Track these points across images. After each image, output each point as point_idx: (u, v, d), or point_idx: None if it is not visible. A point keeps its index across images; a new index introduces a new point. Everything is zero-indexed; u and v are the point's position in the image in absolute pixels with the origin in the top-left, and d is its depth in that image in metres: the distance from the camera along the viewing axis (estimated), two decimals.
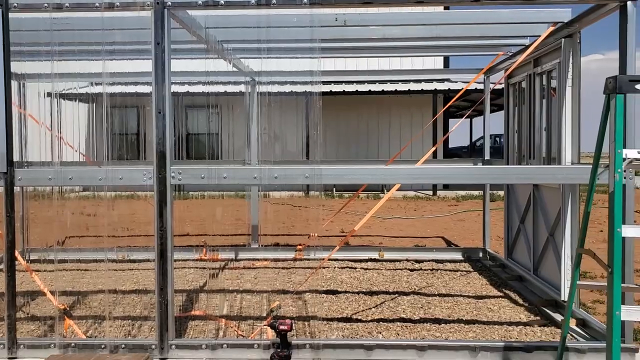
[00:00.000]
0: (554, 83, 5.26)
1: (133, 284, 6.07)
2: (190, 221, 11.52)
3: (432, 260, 7.31)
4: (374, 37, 5.61)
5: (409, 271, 6.69)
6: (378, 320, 4.77)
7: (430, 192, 17.89)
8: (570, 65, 4.84)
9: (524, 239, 6.17)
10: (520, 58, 5.53)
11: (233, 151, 19.09)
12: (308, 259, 7.36)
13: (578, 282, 3.16)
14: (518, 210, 6.36)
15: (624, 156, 2.63)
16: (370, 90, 17.63)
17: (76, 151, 6.76)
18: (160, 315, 3.74)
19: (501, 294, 5.68)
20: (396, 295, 5.60)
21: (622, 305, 2.62)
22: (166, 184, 3.74)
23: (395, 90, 17.70)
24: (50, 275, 6.44)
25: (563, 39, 4.88)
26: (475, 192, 17.02)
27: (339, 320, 4.80)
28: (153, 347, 3.74)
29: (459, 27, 5.59)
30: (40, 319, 4.80)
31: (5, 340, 3.77)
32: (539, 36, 5.17)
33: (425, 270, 6.77)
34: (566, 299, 4.69)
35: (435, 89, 17.80)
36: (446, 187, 19.11)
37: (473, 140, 28.56)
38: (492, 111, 13.60)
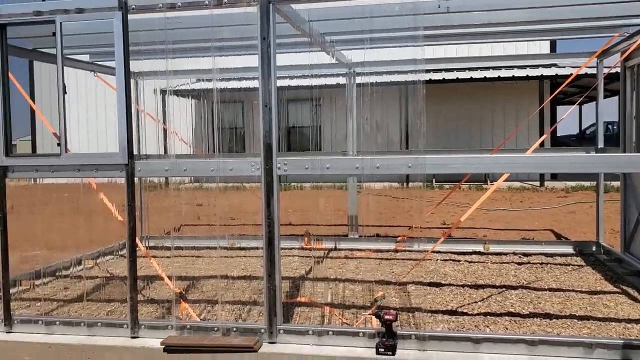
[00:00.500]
0: None
1: (241, 270, 6.33)
2: (293, 211, 11.80)
3: (541, 254, 6.98)
4: (479, 22, 5.42)
5: (516, 265, 6.45)
6: (485, 314, 4.65)
7: (537, 183, 17.09)
8: None
9: None
10: None
11: (332, 143, 19.29)
12: (409, 251, 7.29)
13: None
14: (637, 201, 5.93)
15: None
16: (471, 77, 17.08)
17: (187, 145, 7.13)
18: (269, 300, 3.87)
19: (618, 289, 5.33)
20: (503, 289, 5.42)
21: None
22: (272, 174, 3.85)
23: (499, 76, 17.03)
24: (166, 260, 6.87)
25: None
26: (586, 183, 16.04)
27: (444, 312, 4.72)
28: (262, 331, 3.88)
29: (568, 8, 5.24)
30: (157, 302, 5.14)
31: (128, 320, 4.06)
32: None
33: (534, 264, 6.49)
34: None
35: (542, 75, 16.95)
36: (554, 177, 18.18)
37: (583, 128, 26.93)
38: (604, 97, 12.79)
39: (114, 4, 3.92)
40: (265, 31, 3.79)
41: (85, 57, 6.84)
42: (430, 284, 5.59)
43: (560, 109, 24.17)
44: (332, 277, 5.94)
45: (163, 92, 14.08)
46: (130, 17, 3.96)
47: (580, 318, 4.49)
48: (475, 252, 7.18)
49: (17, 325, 4.22)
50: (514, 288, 5.44)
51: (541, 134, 17.43)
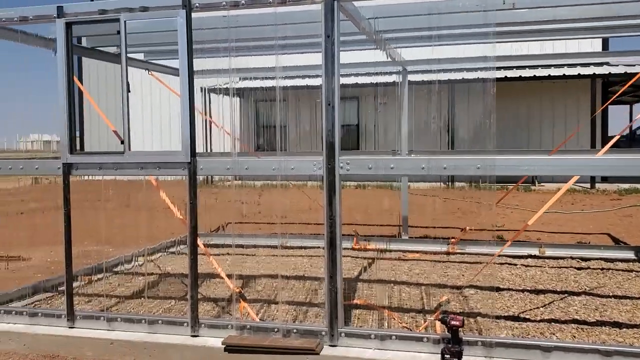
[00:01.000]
0: None
1: (292, 270, 6.29)
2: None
3: (600, 259, 6.72)
4: (532, 20, 5.20)
5: (575, 270, 6.23)
6: (549, 321, 4.48)
7: (588, 185, 16.56)
8: None
9: None
10: None
11: (378, 142, 19.12)
12: (462, 253, 7.13)
13: None
14: None
15: None
16: (520, 76, 16.65)
17: (241, 142, 7.12)
18: (330, 302, 3.81)
19: None
20: (565, 295, 5.23)
21: None
22: (335, 174, 3.79)
23: (549, 75, 16.56)
24: (216, 259, 6.88)
25: None
26: None
27: (506, 318, 4.58)
28: (323, 333, 3.82)
29: (624, 4, 4.97)
30: (212, 300, 5.14)
31: (189, 318, 4.06)
32: None
33: (594, 269, 6.25)
34: None
35: (594, 74, 16.39)
36: (605, 179, 17.59)
37: (633, 128, 26.04)
38: None
39: (177, 2, 3.92)
40: (329, 29, 3.73)
41: (139, 56, 6.91)
42: (488, 288, 5.44)
43: (611, 108, 23.41)
44: (386, 279, 5.85)
45: (209, 90, 14.23)
46: (193, 15, 3.96)
47: None
48: (530, 256, 6.96)
49: (79, 321, 4.28)
50: (576, 294, 5.24)
51: (593, 134, 16.92)
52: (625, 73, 15.99)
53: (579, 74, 16.46)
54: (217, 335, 3.98)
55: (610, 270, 6.17)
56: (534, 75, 16.65)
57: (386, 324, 4.40)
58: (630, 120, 26.21)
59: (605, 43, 17.93)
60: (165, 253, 7.43)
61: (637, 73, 13.59)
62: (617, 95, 6.61)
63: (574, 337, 4.14)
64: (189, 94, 3.95)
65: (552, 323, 4.43)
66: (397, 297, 5.19)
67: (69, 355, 4.02)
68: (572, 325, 4.38)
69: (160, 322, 4.13)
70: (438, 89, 16.21)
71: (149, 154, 4.17)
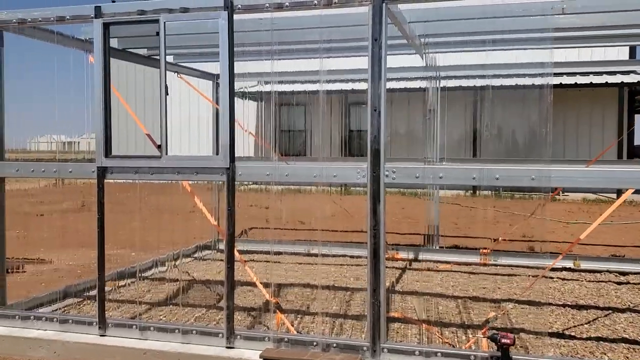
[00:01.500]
0: None
1: (322, 279, 6.14)
2: (361, 216, 11.55)
3: (638, 273, 6.50)
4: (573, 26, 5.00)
5: (615, 284, 6.01)
6: (597, 339, 4.29)
7: (614, 195, 16.23)
8: None
9: None
10: None
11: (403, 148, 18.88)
12: (495, 265, 6.93)
13: None
14: None
15: None
16: (547, 84, 16.36)
17: (269, 146, 7.00)
18: (373, 317, 3.65)
19: None
20: (609, 311, 5.03)
21: None
22: (380, 182, 3.64)
23: (575, 83, 16.26)
24: (256, 266, 6.75)
25: None
26: None
27: (550, 335, 4.39)
28: (365, 348, 3.66)
29: None
30: (245, 309, 5.00)
31: (224, 329, 3.92)
32: None
33: (635, 284, 6.03)
34: None
35: (622, 82, 16.08)
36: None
37: None
38: None
39: (219, 3, 3.80)
40: (377, 32, 3.59)
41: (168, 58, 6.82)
42: (528, 303, 5.24)
43: (637, 117, 23.01)
44: (420, 290, 5.68)
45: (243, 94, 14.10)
46: (235, 17, 3.84)
47: None
48: (565, 269, 6.75)
49: (111, 329, 4.16)
50: (621, 311, 5.04)
51: (620, 143, 16.59)
52: None
53: (606, 82, 16.15)
54: (254, 347, 3.84)
55: None
56: (560, 83, 16.36)
57: (425, 339, 4.23)
58: None
59: (632, 51, 17.62)
60: (191, 258, 7.32)
61: None
62: None
63: (627, 357, 3.94)
64: (230, 98, 3.83)
65: (601, 342, 4.24)
66: (434, 310, 5.02)
67: None
68: (623, 344, 4.19)
69: (194, 332, 3.99)
70: (481, 95, 15.91)
71: (187, 159, 4.06)
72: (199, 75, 7.07)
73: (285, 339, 3.83)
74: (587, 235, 4.38)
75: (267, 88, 15.08)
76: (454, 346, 4.04)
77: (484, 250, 7.15)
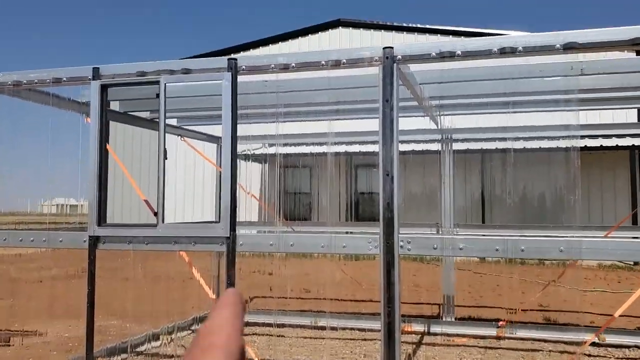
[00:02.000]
0: None
1: (331, 357, 5.71)
2: (367, 286, 11.11)
3: None
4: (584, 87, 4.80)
5: None
6: None
7: (631, 262, 15.73)
8: None
9: None
10: None
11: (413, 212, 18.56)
12: (513, 338, 6.48)
13: None
14: None
15: None
16: (557, 146, 16.22)
17: (268, 210, 6.72)
18: None
19: None
20: None
21: None
22: (394, 253, 3.33)
23: (585, 146, 16.11)
24: (258, 341, 6.33)
25: None
26: None
27: None
28: None
29: None
30: None
31: None
32: None
33: None
34: None
35: (633, 145, 15.92)
36: None
37: None
38: None
39: (223, 64, 3.63)
40: (388, 93, 3.38)
41: (171, 121, 6.67)
42: None
43: None
44: None
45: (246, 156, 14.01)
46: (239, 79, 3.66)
47: None
48: (590, 344, 6.28)
49: None
50: None
51: (634, 206, 16.25)
52: None
53: (617, 145, 16.00)
54: None
55: None
56: (571, 146, 16.19)
57: None
58: None
59: None
60: (188, 331, 6.90)
61: None
62: None
63: None
64: (232, 162, 3.58)
65: None
66: None
67: None
68: None
69: None
70: (500, 158, 15.72)
71: (184, 227, 3.77)
72: (203, 138, 6.90)
73: None
74: (609, 305, 4.00)
75: (271, 150, 15.04)
76: None
77: (502, 323, 6.72)
